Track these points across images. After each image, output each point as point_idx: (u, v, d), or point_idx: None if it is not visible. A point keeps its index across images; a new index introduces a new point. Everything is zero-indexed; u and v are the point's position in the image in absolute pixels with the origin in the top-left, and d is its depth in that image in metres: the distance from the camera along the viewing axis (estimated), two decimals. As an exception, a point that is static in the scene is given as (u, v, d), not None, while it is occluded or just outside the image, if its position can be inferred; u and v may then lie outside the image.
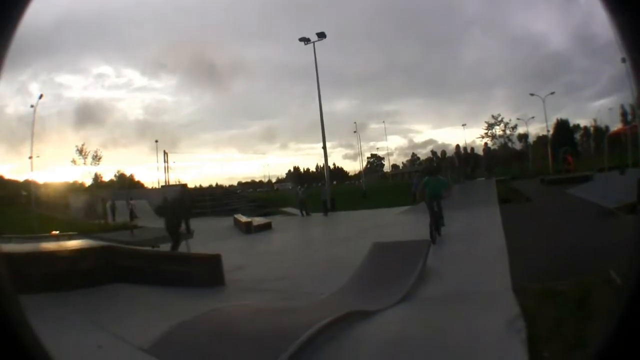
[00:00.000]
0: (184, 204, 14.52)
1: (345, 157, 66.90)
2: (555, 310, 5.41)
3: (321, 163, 49.59)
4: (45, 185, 36.35)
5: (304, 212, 25.32)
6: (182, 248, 12.37)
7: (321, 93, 30.68)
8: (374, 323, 5.78)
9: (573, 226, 11.32)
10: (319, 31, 31.05)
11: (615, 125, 40.40)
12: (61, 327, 5.16)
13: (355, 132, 50.59)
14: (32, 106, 33.80)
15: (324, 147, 32.41)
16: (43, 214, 25.12)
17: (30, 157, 33.16)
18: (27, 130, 34.28)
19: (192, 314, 5.97)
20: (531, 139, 47.70)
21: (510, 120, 48.30)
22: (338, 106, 58.41)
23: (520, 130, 48.19)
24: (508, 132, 48.69)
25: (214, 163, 65.01)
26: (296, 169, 59.91)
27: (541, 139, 44.88)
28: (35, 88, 56.08)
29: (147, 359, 4.73)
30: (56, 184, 37.73)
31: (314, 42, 31.19)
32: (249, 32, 61.61)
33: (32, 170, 33.78)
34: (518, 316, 5.33)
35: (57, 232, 15.24)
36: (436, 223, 12.22)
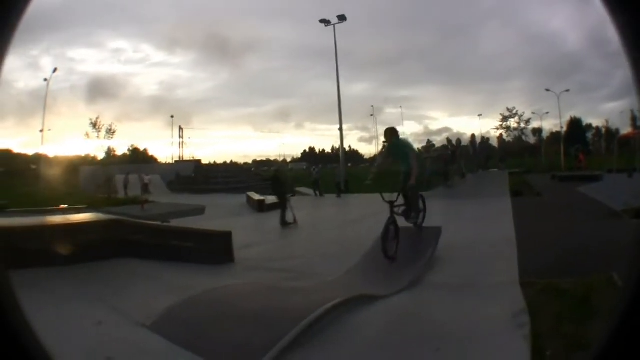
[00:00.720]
0: (287, 174, 17.60)
1: (361, 140, 66.60)
2: (561, 307, 5.31)
3: (337, 145, 49.64)
4: (56, 158, 36.50)
5: (317, 193, 25.34)
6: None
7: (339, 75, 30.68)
8: (380, 307, 5.69)
9: (581, 224, 11.30)
10: (339, 13, 30.88)
11: (626, 129, 40.36)
12: (64, 301, 5.14)
13: (372, 115, 50.38)
14: (45, 80, 33.87)
15: (340, 129, 32.40)
16: (53, 187, 25.30)
17: (42, 131, 33.26)
18: (38, 104, 34.39)
19: (198, 291, 5.91)
20: (545, 134, 47.64)
21: (524, 113, 48.13)
22: (355, 89, 58.19)
23: (535, 124, 48.08)
24: (522, 125, 48.54)
25: (228, 140, 65.14)
26: (311, 149, 59.87)
27: (554, 135, 44.93)
28: (47, 62, 56.42)
29: (147, 335, 4.67)
30: (67, 158, 37.89)
31: (334, 25, 31.01)
32: (269, 9, 61.23)
33: (42, 143, 33.90)
34: (523, 310, 5.25)
35: (66, 205, 15.32)
36: (407, 214, 8.95)
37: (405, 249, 8.07)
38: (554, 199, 18.59)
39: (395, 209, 8.66)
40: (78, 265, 6.31)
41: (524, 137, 49.99)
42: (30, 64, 42.70)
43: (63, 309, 4.89)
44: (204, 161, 40.49)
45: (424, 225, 9.18)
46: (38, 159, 34.91)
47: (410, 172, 8.73)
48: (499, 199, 16.20)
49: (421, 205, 9.26)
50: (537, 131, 48.84)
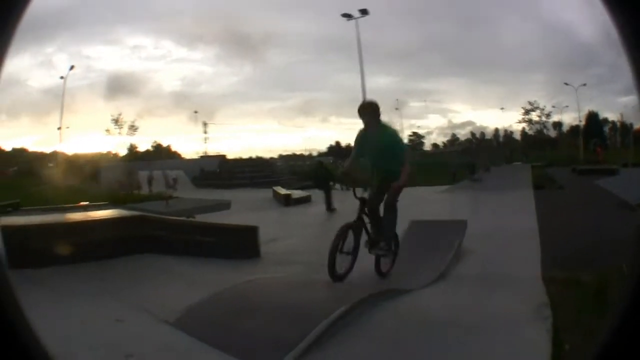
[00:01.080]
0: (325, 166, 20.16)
1: (386, 134, 66.47)
2: (581, 300, 5.25)
3: (362, 139, 49.65)
4: (75, 156, 36.79)
5: (344, 187, 25.32)
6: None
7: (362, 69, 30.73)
8: (405, 302, 5.59)
9: (601, 217, 11.65)
10: (361, 7, 30.90)
11: (639, 123, 40.70)
12: (83, 299, 5.10)
13: (397, 109, 50.26)
14: (62, 77, 34.26)
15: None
16: (72, 185, 25.43)
17: (59, 128, 33.58)
18: (54, 102, 34.67)
19: (223, 286, 5.84)
20: (564, 128, 48.06)
21: (545, 107, 48.61)
22: (379, 82, 58.15)
23: (555, 118, 48.55)
24: (543, 118, 49.04)
25: (253, 134, 65.35)
26: (337, 143, 59.88)
27: (573, 129, 45.51)
28: (62, 60, 57.08)
29: (171, 332, 4.61)
30: (86, 155, 38.15)
31: (356, 19, 31.02)
32: (292, 3, 61.14)
33: (60, 141, 34.26)
34: (545, 304, 5.20)
35: (87, 202, 15.44)
36: (373, 241, 6.85)
37: (432, 242, 7.94)
38: (574, 192, 19.75)
39: (365, 217, 6.86)
40: (100, 262, 6.28)
41: (545, 131, 50.36)
42: (43, 62, 43.10)
43: (84, 306, 4.86)
44: (229, 156, 40.72)
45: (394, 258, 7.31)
46: (56, 156, 35.23)
47: (399, 169, 6.73)
48: (522, 192, 16.95)
49: (393, 246, 7.15)
50: (558, 125, 49.20)
